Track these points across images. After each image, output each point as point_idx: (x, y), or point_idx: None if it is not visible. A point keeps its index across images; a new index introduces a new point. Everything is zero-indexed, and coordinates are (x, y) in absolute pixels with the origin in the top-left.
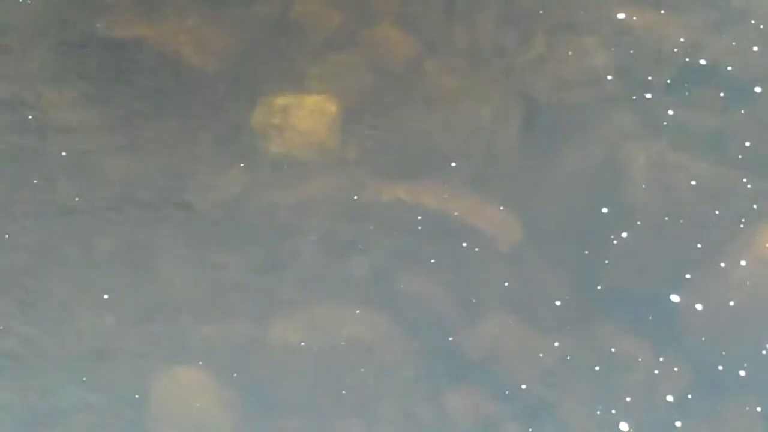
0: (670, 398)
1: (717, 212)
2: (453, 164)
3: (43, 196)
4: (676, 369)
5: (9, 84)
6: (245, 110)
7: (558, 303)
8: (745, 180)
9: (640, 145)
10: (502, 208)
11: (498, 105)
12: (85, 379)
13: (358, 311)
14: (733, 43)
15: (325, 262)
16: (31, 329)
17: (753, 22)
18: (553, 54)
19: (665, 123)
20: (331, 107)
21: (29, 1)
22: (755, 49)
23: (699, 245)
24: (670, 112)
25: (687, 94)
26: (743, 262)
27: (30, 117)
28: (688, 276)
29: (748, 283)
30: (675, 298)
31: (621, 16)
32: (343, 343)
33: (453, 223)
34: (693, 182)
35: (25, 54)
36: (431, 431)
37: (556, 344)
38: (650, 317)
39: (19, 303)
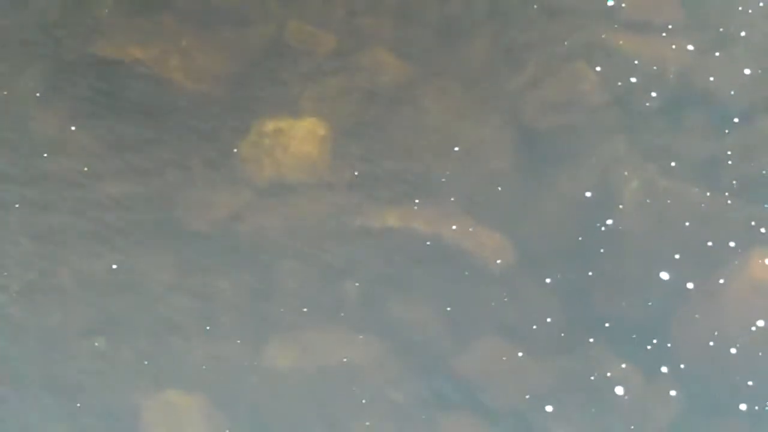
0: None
1: (709, 237)
2: (445, 188)
3: (34, 219)
4: (668, 394)
5: (1, 105)
6: (238, 133)
7: (550, 325)
8: (736, 205)
9: (633, 170)
10: (494, 231)
11: (491, 129)
12: (78, 404)
13: (350, 334)
14: (726, 69)
15: (317, 285)
16: (23, 353)
17: (745, 47)
18: (545, 79)
19: (657, 148)
20: (324, 131)
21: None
22: (747, 74)
23: (691, 270)
24: (662, 137)
25: (679, 119)
26: (735, 288)
27: (22, 139)
28: (680, 300)
29: (740, 311)
30: (667, 321)
31: (613, 41)
32: (335, 366)
33: (445, 246)
34: (685, 207)
35: (16, 75)
36: None
37: (549, 366)
38: (642, 340)
39: (10, 326)
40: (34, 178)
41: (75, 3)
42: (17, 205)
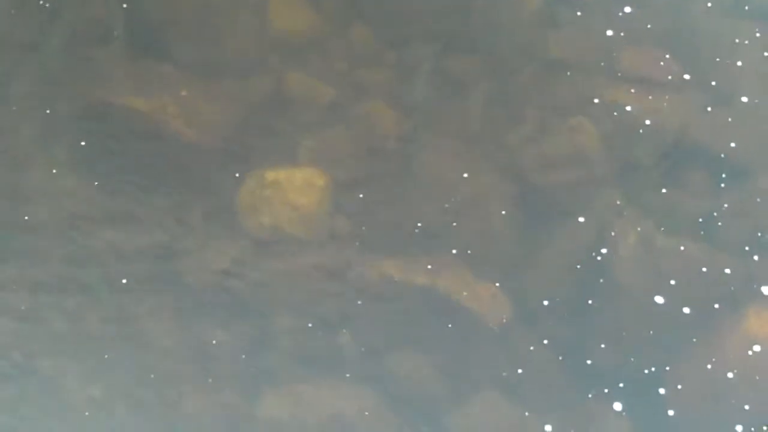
0: None
1: (706, 292)
2: (443, 241)
3: (31, 268)
4: None
5: None
6: (236, 183)
7: (548, 378)
8: (734, 261)
9: (630, 225)
10: (491, 285)
11: (489, 183)
12: None
13: (345, 387)
14: (724, 125)
15: (313, 337)
16: (18, 402)
17: (744, 103)
18: (543, 133)
19: (655, 203)
20: (322, 181)
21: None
22: (745, 130)
23: (688, 325)
24: (660, 193)
25: (678, 174)
26: (732, 343)
27: (17, 187)
28: (677, 356)
29: (736, 363)
30: (664, 378)
31: (613, 96)
32: (330, 419)
33: (442, 299)
34: (682, 263)
35: (13, 123)
36: None
37: (546, 425)
38: (640, 398)
39: (5, 376)
40: (29, 227)
41: (74, 51)
42: (14, 252)
